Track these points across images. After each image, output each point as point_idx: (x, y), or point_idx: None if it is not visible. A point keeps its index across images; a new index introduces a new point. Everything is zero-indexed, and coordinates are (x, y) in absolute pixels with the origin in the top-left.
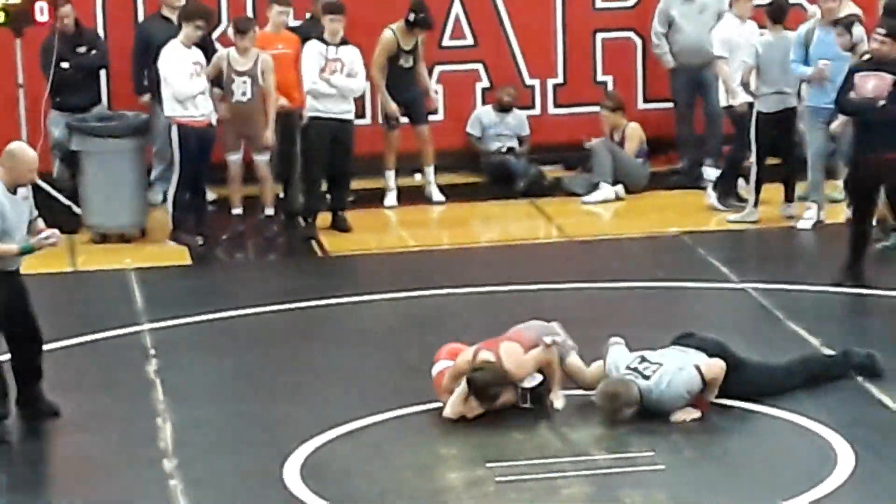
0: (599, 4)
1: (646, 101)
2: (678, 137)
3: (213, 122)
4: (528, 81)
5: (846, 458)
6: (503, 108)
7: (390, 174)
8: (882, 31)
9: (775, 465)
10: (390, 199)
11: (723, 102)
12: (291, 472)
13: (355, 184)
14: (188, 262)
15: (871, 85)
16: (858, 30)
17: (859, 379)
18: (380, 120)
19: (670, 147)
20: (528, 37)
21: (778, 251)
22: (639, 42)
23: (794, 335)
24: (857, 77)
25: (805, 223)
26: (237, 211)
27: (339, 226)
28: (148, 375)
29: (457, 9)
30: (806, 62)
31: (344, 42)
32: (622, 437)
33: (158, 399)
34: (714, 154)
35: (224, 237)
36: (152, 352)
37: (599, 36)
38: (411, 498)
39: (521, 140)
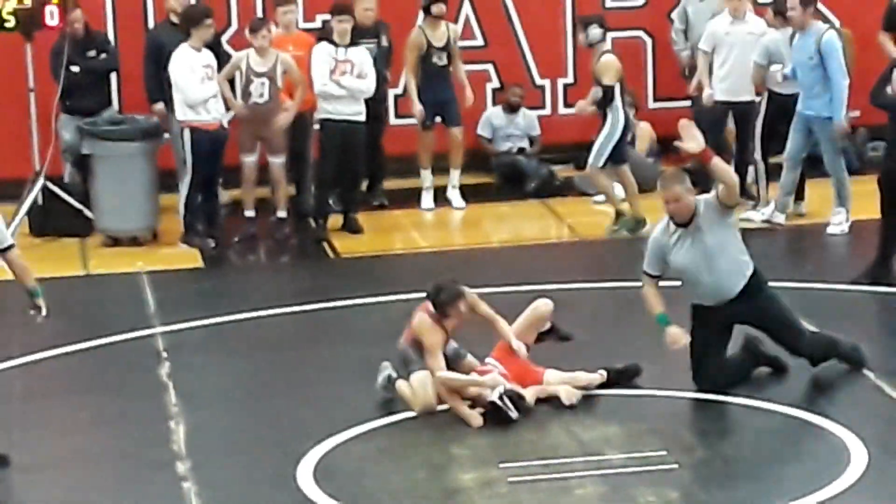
0: (609, 4)
1: (656, 100)
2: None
3: (225, 123)
4: (539, 81)
5: (859, 457)
6: (511, 109)
7: (426, 174)
8: None
9: (788, 463)
10: (427, 200)
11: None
12: (305, 474)
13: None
14: (200, 264)
15: None
16: (595, 31)
17: (872, 376)
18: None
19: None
20: (538, 37)
21: (789, 249)
22: (648, 41)
23: None
24: None
25: (834, 228)
26: (250, 213)
27: (351, 227)
28: (160, 378)
29: (466, 9)
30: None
31: (353, 43)
32: (635, 437)
33: (171, 402)
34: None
35: (236, 239)
36: (164, 355)
37: (609, 35)
38: (424, 498)
39: (531, 140)
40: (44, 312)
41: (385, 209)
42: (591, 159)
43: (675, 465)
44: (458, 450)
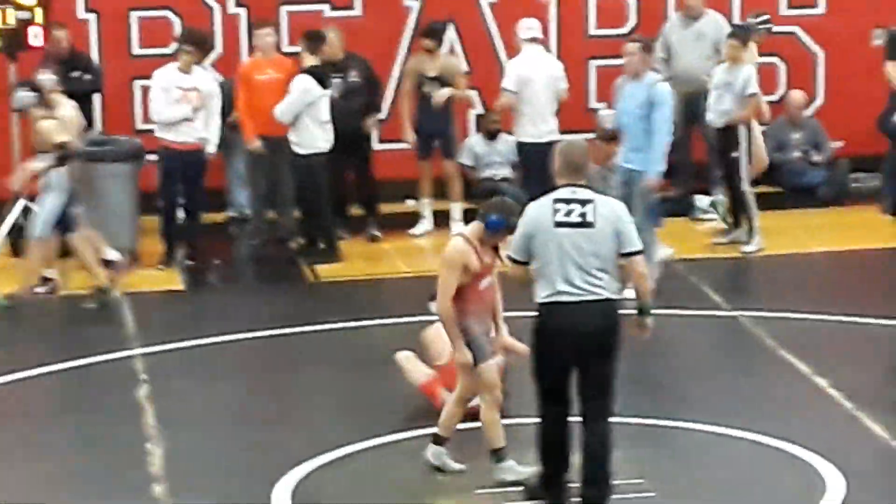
0: (592, 32)
1: None
2: (673, 165)
3: (210, 148)
4: None
5: (836, 487)
6: (491, 135)
7: (423, 202)
8: None
9: (765, 493)
10: (421, 226)
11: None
12: (282, 498)
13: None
14: (180, 286)
15: None
16: (23, 94)
17: (849, 406)
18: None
19: (663, 175)
20: None
21: (770, 279)
22: None
23: (785, 364)
24: None
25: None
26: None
27: (318, 256)
28: (139, 400)
29: (451, 35)
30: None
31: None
32: None
33: (149, 424)
34: (717, 182)
35: (216, 262)
36: (143, 377)
37: (593, 63)
38: None
39: (513, 166)
40: None
41: (377, 241)
42: (37, 231)
43: (653, 494)
44: (435, 475)
